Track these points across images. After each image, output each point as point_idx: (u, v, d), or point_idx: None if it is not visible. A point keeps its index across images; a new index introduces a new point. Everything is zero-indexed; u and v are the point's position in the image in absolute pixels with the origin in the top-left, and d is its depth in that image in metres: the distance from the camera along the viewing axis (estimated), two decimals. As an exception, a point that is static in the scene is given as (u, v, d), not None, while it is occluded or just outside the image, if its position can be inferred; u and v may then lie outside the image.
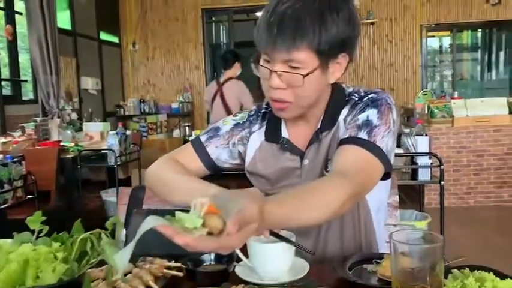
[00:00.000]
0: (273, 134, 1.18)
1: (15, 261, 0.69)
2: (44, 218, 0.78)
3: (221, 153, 1.21)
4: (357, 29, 1.05)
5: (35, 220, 0.79)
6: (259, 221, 0.69)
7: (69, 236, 0.79)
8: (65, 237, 0.79)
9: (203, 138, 1.22)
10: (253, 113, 1.25)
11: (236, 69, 4.52)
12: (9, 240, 0.77)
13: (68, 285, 0.73)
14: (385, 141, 1.03)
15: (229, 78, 4.49)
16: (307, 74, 0.99)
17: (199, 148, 1.20)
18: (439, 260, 0.69)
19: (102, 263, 0.78)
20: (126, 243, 1.08)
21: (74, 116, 5.43)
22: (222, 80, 4.54)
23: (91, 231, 0.78)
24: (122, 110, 7.15)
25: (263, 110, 1.23)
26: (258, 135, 1.21)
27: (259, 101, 1.31)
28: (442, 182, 2.74)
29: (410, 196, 4.19)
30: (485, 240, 3.60)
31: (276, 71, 1.01)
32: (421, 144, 2.99)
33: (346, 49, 1.04)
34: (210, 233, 0.65)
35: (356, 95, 1.13)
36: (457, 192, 4.72)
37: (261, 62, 1.05)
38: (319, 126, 1.12)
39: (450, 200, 4.58)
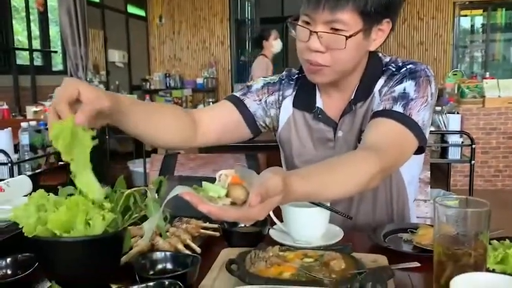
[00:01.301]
0: (305, 103, 1.15)
1: (65, 205, 0.71)
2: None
3: (257, 109, 1.18)
4: None
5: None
6: (284, 193, 0.68)
7: (113, 191, 0.81)
8: (108, 191, 0.80)
9: (238, 94, 1.19)
10: (284, 77, 1.21)
11: (268, 48, 4.64)
12: None
13: (113, 237, 0.75)
14: (422, 114, 1.00)
15: (259, 55, 4.72)
16: (350, 36, 0.97)
17: (238, 102, 1.16)
18: (484, 226, 0.68)
19: (143, 219, 0.80)
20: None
21: (102, 88, 5.50)
22: None
23: (136, 188, 0.79)
24: (148, 83, 7.20)
25: (295, 76, 1.20)
26: (290, 101, 1.18)
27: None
28: (473, 162, 2.68)
29: (436, 176, 4.12)
30: (512, 224, 3.54)
31: (317, 32, 0.98)
32: (453, 122, 2.93)
33: (390, 14, 1.01)
34: (233, 203, 0.66)
35: (393, 65, 1.09)
36: (484, 175, 4.63)
37: (300, 23, 1.02)
38: (353, 97, 1.09)
39: (477, 182, 4.49)
